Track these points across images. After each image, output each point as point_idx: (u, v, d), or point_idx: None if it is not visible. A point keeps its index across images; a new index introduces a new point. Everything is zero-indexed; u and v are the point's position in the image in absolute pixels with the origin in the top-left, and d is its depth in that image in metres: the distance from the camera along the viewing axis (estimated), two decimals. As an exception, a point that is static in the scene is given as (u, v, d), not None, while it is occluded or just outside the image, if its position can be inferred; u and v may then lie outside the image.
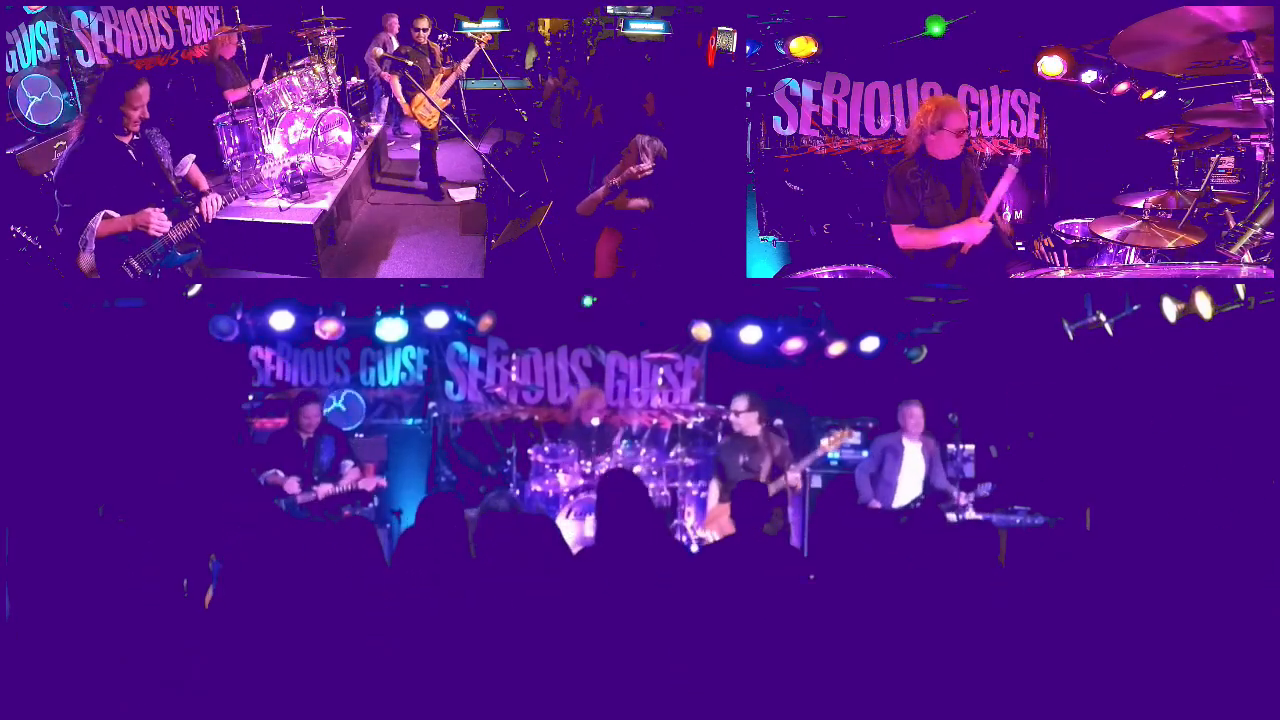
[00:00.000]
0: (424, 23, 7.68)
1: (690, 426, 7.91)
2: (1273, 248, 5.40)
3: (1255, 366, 6.08)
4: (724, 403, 7.32)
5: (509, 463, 7.70)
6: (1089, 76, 6.84)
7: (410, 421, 8.43)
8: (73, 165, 5.04)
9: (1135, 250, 5.84)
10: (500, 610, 3.47)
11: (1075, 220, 6.52)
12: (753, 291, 7.48)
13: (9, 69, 5.77)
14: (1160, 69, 6.09)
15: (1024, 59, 6.84)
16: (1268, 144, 5.57)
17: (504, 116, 7.98)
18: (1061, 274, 6.29)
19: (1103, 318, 6.85)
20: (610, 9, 8.03)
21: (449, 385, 8.47)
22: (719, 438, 7.59)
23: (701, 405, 8.13)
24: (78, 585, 5.51)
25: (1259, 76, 5.18)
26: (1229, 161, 6.11)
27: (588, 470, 7.25)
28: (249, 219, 6.33)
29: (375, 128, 8.05)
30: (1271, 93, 5.20)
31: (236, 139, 6.84)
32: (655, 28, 8.00)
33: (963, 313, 7.82)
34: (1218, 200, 5.82)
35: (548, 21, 8.50)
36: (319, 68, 7.41)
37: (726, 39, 6.84)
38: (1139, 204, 6.01)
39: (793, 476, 6.89)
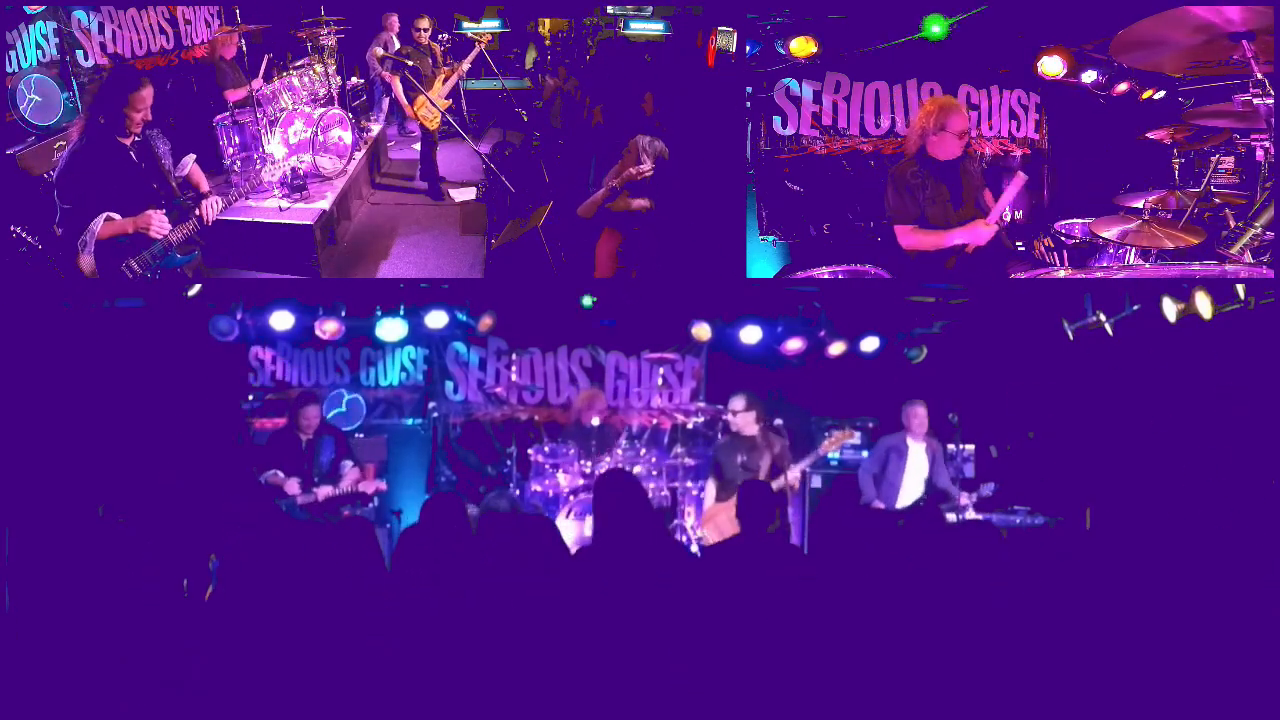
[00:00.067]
0: (425, 23, 7.68)
1: (690, 426, 7.91)
2: (1273, 248, 5.40)
3: (1255, 366, 6.08)
4: (724, 403, 7.32)
5: (509, 463, 7.70)
6: (1089, 76, 6.84)
7: (410, 421, 8.44)
8: (73, 166, 5.04)
9: (1135, 250, 5.84)
10: (499, 610, 3.47)
11: (1075, 220, 6.52)
12: (753, 291, 7.48)
13: (9, 69, 5.77)
14: (1160, 69, 6.09)
15: (1024, 59, 6.84)
16: (1268, 144, 5.57)
17: (504, 116, 7.98)
18: (1061, 274, 6.29)
19: (1103, 318, 6.85)
20: (610, 9, 8.03)
21: (449, 385, 8.47)
22: (719, 437, 7.59)
23: (701, 405, 8.14)
24: (78, 585, 5.51)
25: (1259, 76, 5.18)
26: (1229, 161, 6.10)
27: (588, 470, 7.25)
28: (249, 219, 6.33)
29: (375, 128, 8.05)
30: (1271, 93, 5.20)
31: (236, 139, 6.84)
32: (655, 28, 8.00)
33: (963, 313, 7.82)
34: (1218, 200, 5.81)
35: (548, 21, 8.50)
36: (319, 68, 7.41)
37: (726, 39, 6.84)
38: (1139, 204, 6.01)
39: (792, 476, 6.90)
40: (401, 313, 7.74)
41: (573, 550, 4.04)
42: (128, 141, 5.10)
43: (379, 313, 7.73)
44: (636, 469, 7.25)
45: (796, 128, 6.98)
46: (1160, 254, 5.67)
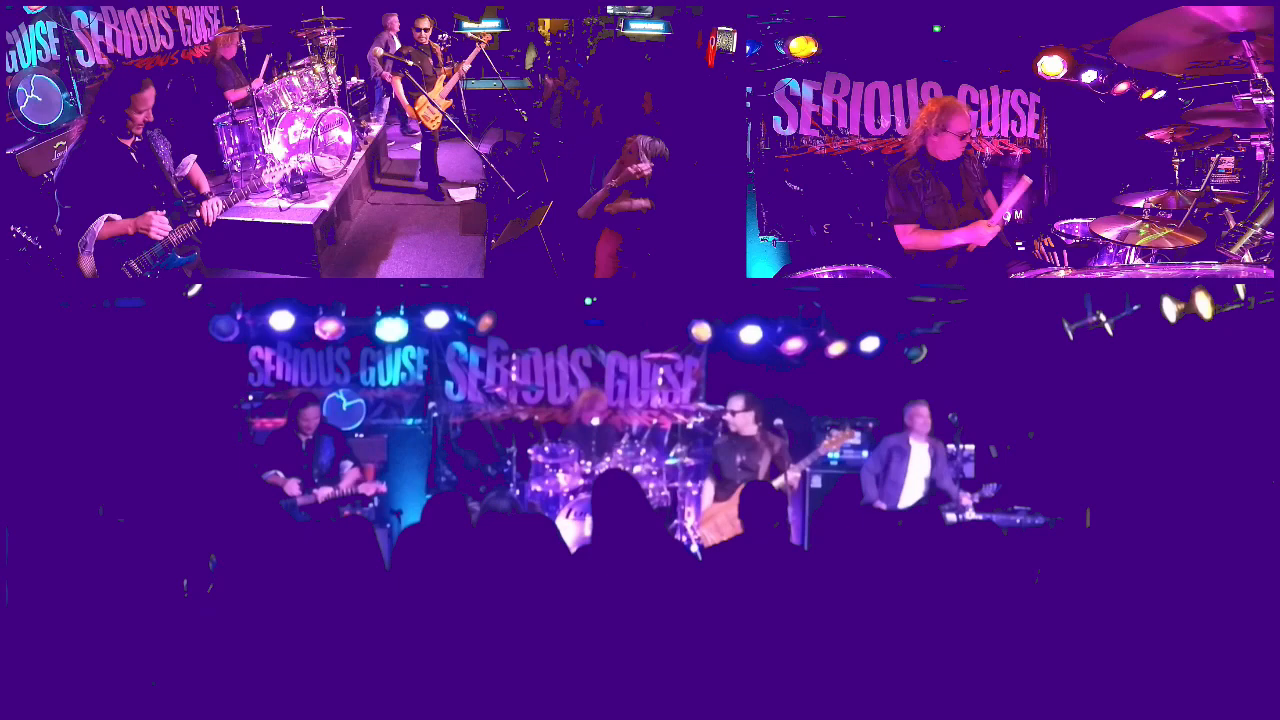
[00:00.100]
0: (425, 23, 7.68)
1: (690, 427, 7.91)
2: (1273, 248, 5.40)
3: (1255, 366, 6.08)
4: (724, 403, 7.32)
5: (509, 463, 7.70)
6: (1089, 76, 6.84)
7: (410, 421, 8.44)
8: (74, 166, 5.03)
9: (1135, 250, 5.84)
10: (498, 610, 3.47)
11: (1075, 220, 6.52)
12: (753, 291, 7.48)
13: (9, 69, 5.77)
14: (1160, 69, 6.09)
15: (1024, 59, 6.84)
16: (1268, 144, 5.57)
17: (504, 116, 7.98)
18: (1061, 274, 6.29)
19: (1103, 318, 6.84)
20: (610, 9, 8.04)
21: (449, 385, 8.47)
22: (718, 437, 7.59)
23: (702, 405, 8.13)
24: (77, 585, 5.51)
25: (1259, 76, 5.17)
26: (1229, 161, 6.10)
27: (588, 470, 7.25)
28: (249, 219, 6.33)
29: (375, 128, 8.05)
30: (1271, 93, 5.20)
31: (236, 139, 6.84)
32: (655, 28, 8.01)
33: (963, 313, 7.82)
34: (1218, 200, 5.81)
35: (548, 21, 8.51)
36: (319, 68, 7.42)
37: (726, 39, 6.85)
38: (1139, 204, 6.01)
39: (791, 476, 6.90)
40: (401, 313, 7.74)
41: (573, 550, 4.04)
42: (129, 142, 5.10)
43: (379, 313, 7.73)
44: (636, 469, 7.25)
45: (796, 128, 6.99)
46: (1160, 254, 5.67)
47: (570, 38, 8.44)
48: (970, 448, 7.63)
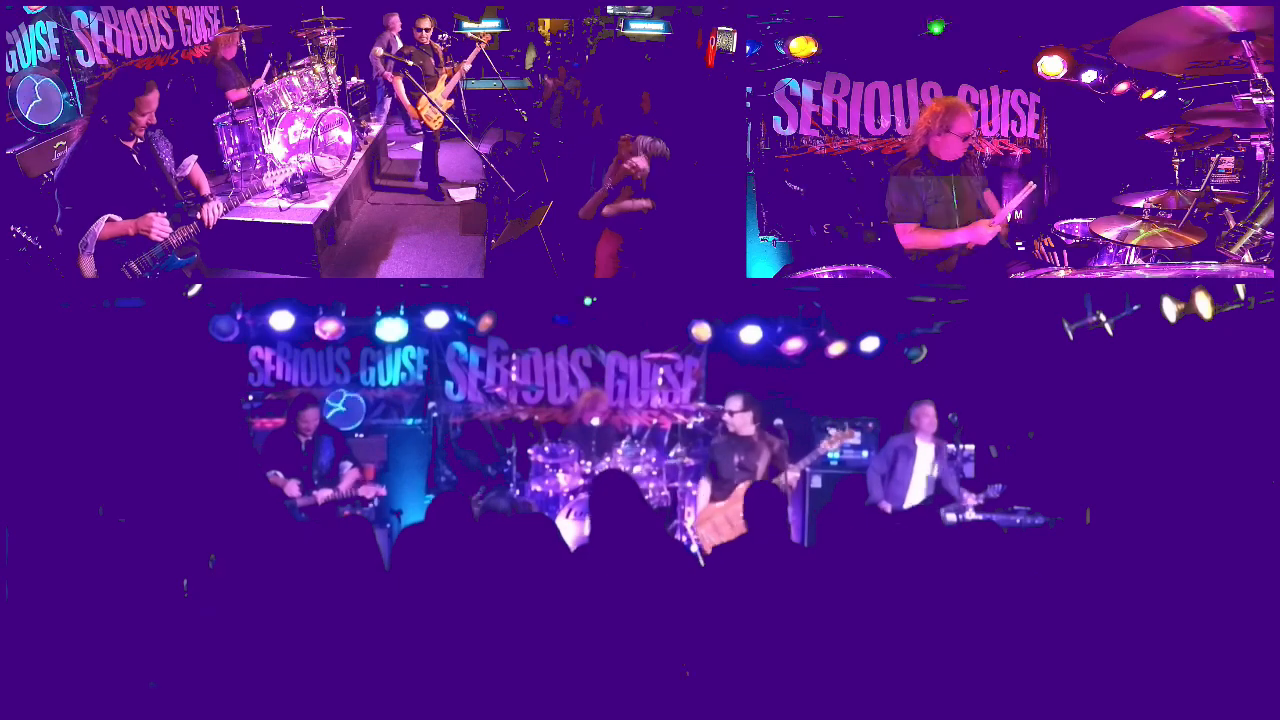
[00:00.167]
0: (427, 23, 7.69)
1: (690, 427, 7.91)
2: (1273, 248, 5.40)
3: (1255, 366, 6.08)
4: (724, 403, 7.32)
5: (509, 463, 7.70)
6: (1089, 76, 6.84)
7: (410, 421, 8.44)
8: (75, 167, 5.03)
9: (1135, 250, 5.84)
10: (496, 610, 3.47)
11: (1075, 220, 6.52)
12: (753, 291, 7.48)
13: (9, 69, 5.76)
14: (1160, 69, 6.09)
15: (1024, 59, 6.84)
16: (1268, 144, 5.57)
17: (504, 116, 7.99)
18: (1061, 274, 6.29)
19: (1103, 318, 6.84)
20: (610, 9, 8.04)
21: (449, 385, 8.47)
22: (716, 437, 7.59)
23: (702, 405, 8.13)
24: (77, 585, 5.51)
25: (1259, 76, 5.17)
26: (1229, 161, 6.10)
27: (588, 470, 7.25)
28: (249, 219, 6.33)
29: (375, 128, 8.05)
30: (1271, 93, 5.19)
31: (236, 139, 6.84)
32: (655, 28, 8.01)
33: (963, 313, 7.82)
34: (1218, 200, 5.81)
35: (548, 21, 8.52)
36: (319, 68, 7.42)
37: (726, 39, 6.85)
38: (1139, 204, 6.01)
39: (790, 476, 6.89)
40: (401, 313, 7.74)
41: (572, 550, 4.04)
42: (130, 144, 5.09)
43: (379, 313, 7.73)
44: (636, 469, 7.25)
45: (796, 128, 6.99)
46: (1160, 254, 5.67)
47: (570, 38, 8.44)
48: (970, 448, 7.63)
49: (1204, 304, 6.06)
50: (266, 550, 5.62)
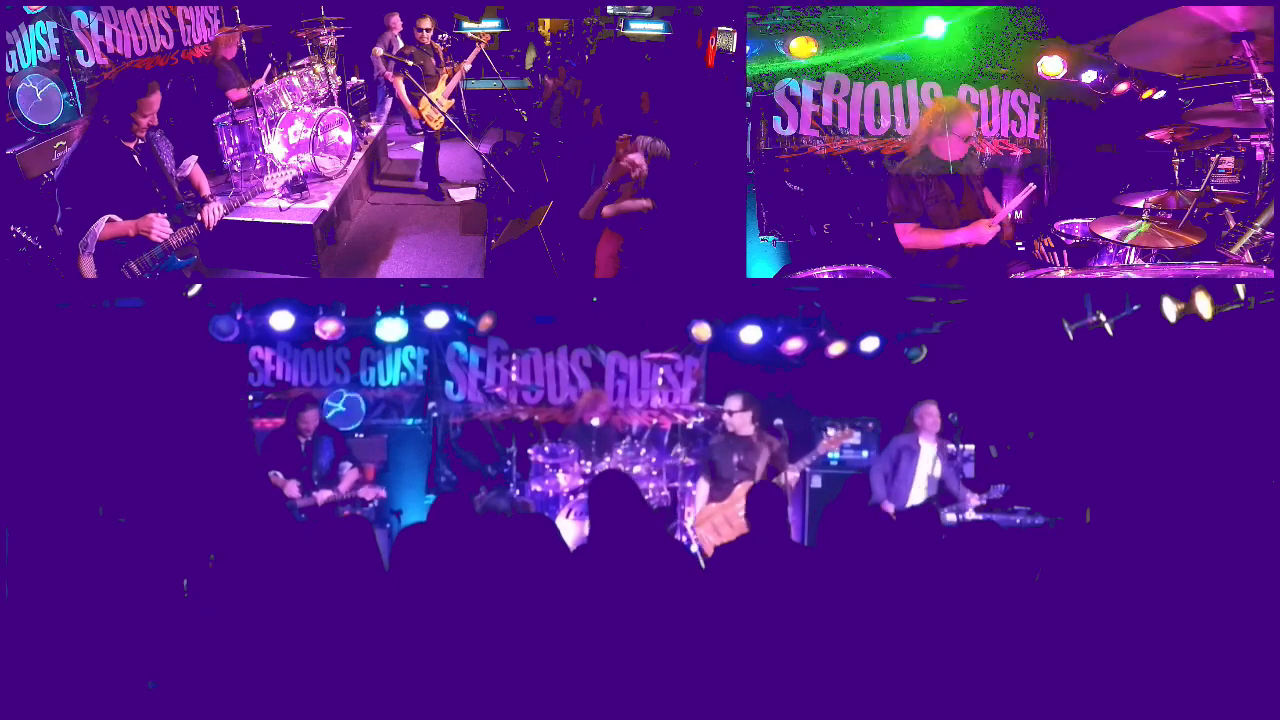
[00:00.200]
0: (427, 23, 7.69)
1: (690, 426, 7.91)
2: (1273, 248, 5.40)
3: (1255, 366, 6.08)
4: (724, 403, 7.32)
5: (509, 463, 7.70)
6: (1089, 76, 6.84)
7: (410, 421, 8.44)
8: (75, 167, 5.03)
9: (1135, 250, 5.85)
10: (495, 610, 3.47)
11: (1075, 220, 6.52)
12: (753, 291, 7.48)
13: (9, 69, 5.77)
14: (1160, 69, 6.09)
15: (1024, 59, 6.84)
16: (1268, 144, 5.58)
17: (504, 116, 7.98)
18: (1061, 274, 6.29)
19: (1103, 318, 6.84)
20: (610, 9, 8.04)
21: (449, 385, 8.47)
22: (714, 436, 7.59)
23: (701, 405, 8.13)
24: (77, 585, 5.51)
25: (1259, 76, 5.18)
26: (1229, 161, 6.10)
27: (588, 470, 7.25)
28: (249, 219, 6.33)
29: (375, 128, 8.05)
30: (1271, 93, 5.20)
31: (236, 139, 6.84)
32: (655, 28, 8.01)
33: (963, 313, 7.82)
34: (1218, 200, 5.81)
35: (548, 21, 8.51)
36: (319, 68, 7.42)
37: (726, 39, 6.85)
38: (1139, 204, 6.02)
39: (790, 476, 6.89)
40: (401, 313, 7.74)
41: (572, 550, 4.04)
42: (131, 144, 5.09)
43: (379, 313, 7.73)
44: (636, 469, 7.25)
45: (796, 128, 6.98)
46: (1160, 254, 5.67)
47: (570, 38, 8.44)
48: (970, 448, 7.62)
49: (1204, 304, 6.06)
50: (266, 550, 5.62)
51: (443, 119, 7.48)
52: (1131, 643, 3.87)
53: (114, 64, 6.44)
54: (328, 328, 7.69)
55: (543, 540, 3.74)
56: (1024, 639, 3.64)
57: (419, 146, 7.92)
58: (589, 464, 7.29)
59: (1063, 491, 7.08)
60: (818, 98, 6.97)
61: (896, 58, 6.77)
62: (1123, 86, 6.94)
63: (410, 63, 7.61)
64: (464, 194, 7.37)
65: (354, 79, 7.91)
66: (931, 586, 3.84)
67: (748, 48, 6.66)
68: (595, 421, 7.54)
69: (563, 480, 7.26)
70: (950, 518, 6.86)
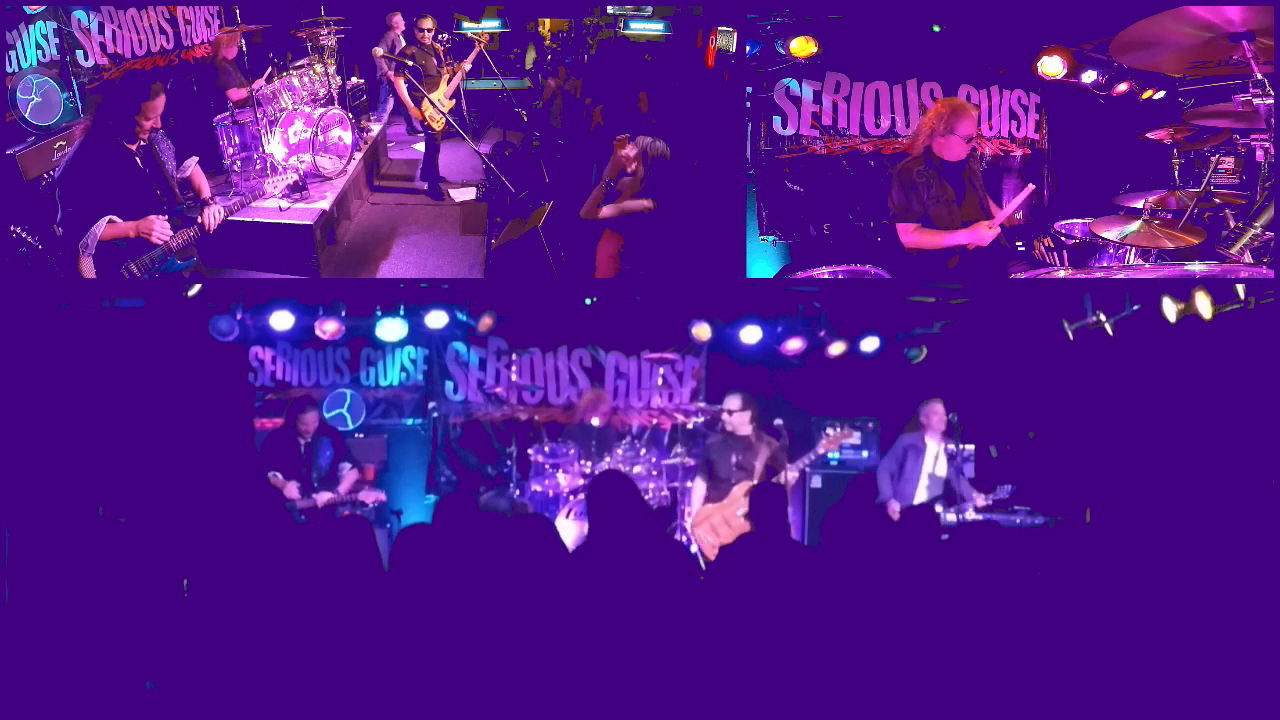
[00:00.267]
0: (429, 23, 7.69)
1: (690, 426, 7.91)
2: (1273, 248, 5.40)
3: (1255, 366, 6.08)
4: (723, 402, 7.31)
5: (509, 463, 7.70)
6: (1089, 76, 6.84)
7: (410, 421, 8.44)
8: (77, 168, 5.01)
9: (1135, 250, 5.85)
10: (494, 610, 3.47)
11: (1075, 220, 6.52)
12: (753, 291, 7.48)
13: (9, 69, 5.76)
14: (1160, 69, 6.09)
15: (1024, 59, 6.84)
16: (1268, 144, 5.58)
17: (504, 116, 7.99)
18: (1061, 274, 6.29)
19: (1103, 318, 6.84)
20: (610, 9, 8.05)
21: (449, 385, 8.47)
22: (711, 436, 7.58)
23: (701, 405, 8.13)
24: (77, 585, 5.51)
25: (1259, 76, 5.17)
26: (1229, 161, 6.10)
27: (588, 470, 7.25)
28: (249, 219, 6.33)
29: (375, 128, 8.06)
30: (1271, 93, 5.20)
31: (236, 139, 6.84)
32: (655, 28, 8.02)
33: (963, 313, 7.82)
34: (1218, 200, 5.81)
35: (548, 21, 8.52)
36: (319, 68, 7.42)
37: (726, 39, 6.85)
38: (1139, 204, 6.02)
39: (789, 475, 6.89)
40: (401, 313, 7.73)
41: (571, 550, 4.04)
42: (134, 146, 5.08)
43: (379, 313, 7.72)
44: (636, 469, 7.25)
45: (796, 128, 6.98)
46: (1160, 254, 5.67)
47: (570, 38, 8.45)
48: (970, 448, 7.62)
49: (1204, 304, 6.06)
50: (266, 549, 5.62)
51: (444, 119, 7.48)
52: (1132, 642, 3.87)
53: (114, 64, 6.44)
54: (328, 328, 7.69)
55: (542, 540, 3.74)
56: (1024, 639, 3.64)
57: (419, 146, 7.93)
58: (589, 464, 7.29)
59: (1063, 491, 7.08)
60: (818, 97, 6.97)
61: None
62: (1123, 86, 6.94)
63: (411, 63, 7.61)
64: (464, 194, 7.37)
65: (354, 79, 7.92)
66: (932, 586, 3.84)
67: (748, 48, 6.67)
68: (595, 421, 7.54)
69: (563, 480, 7.26)
70: (950, 518, 6.86)
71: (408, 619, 3.46)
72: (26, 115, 5.82)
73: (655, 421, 8.25)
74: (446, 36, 7.88)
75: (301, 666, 3.37)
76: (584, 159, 6.97)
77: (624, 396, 8.50)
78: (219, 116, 6.84)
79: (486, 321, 7.90)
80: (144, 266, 5.11)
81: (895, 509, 6.90)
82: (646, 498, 7.01)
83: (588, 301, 7.63)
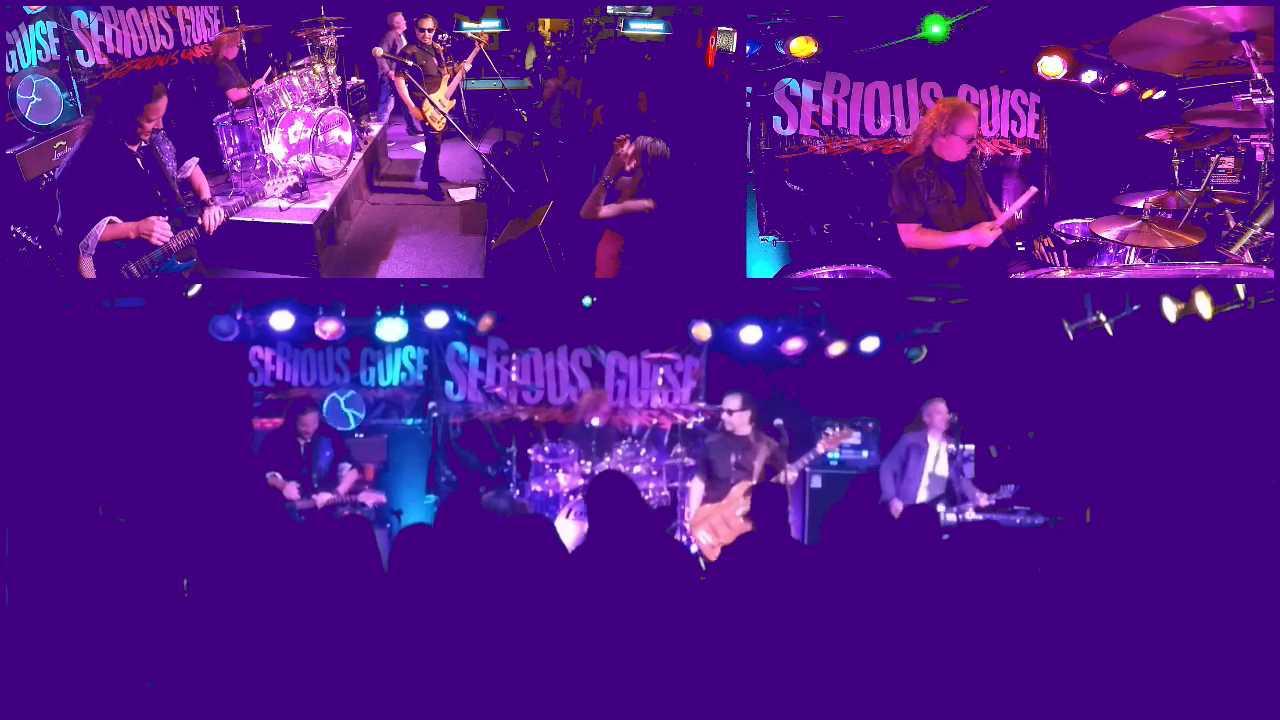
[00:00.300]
0: (430, 23, 7.70)
1: (690, 426, 7.91)
2: (1273, 248, 5.40)
3: (1255, 366, 6.08)
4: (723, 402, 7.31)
5: (509, 463, 7.70)
6: (1089, 76, 6.84)
7: (410, 421, 8.43)
8: (77, 169, 5.01)
9: (1135, 250, 5.85)
10: (494, 610, 3.47)
11: (1075, 220, 6.52)
12: (753, 291, 7.48)
13: (9, 69, 5.76)
14: (1160, 69, 6.09)
15: (1024, 59, 6.84)
16: (1268, 144, 5.57)
17: (504, 116, 7.99)
18: (1061, 274, 6.29)
19: (1103, 318, 6.84)
20: (610, 9, 8.05)
21: (449, 385, 8.47)
22: (710, 436, 7.58)
23: (702, 405, 8.13)
24: (77, 585, 5.51)
25: (1259, 76, 5.17)
26: (1229, 161, 6.10)
27: (588, 470, 7.25)
28: (249, 219, 6.33)
29: (375, 128, 8.05)
30: (1271, 93, 5.20)
31: (236, 139, 6.84)
32: (655, 28, 8.02)
33: (963, 313, 7.82)
34: (1218, 200, 5.81)
35: (548, 21, 8.52)
36: (319, 68, 7.42)
37: (726, 39, 6.85)
38: (1139, 204, 6.02)
39: (789, 475, 6.89)
40: (401, 313, 7.73)
41: (571, 550, 4.04)
42: (135, 148, 5.08)
43: (379, 313, 7.72)
44: (636, 469, 7.25)
45: (796, 128, 6.98)
46: (1160, 254, 5.67)
47: (570, 38, 8.45)
48: (970, 448, 7.63)
49: (1204, 304, 6.06)
50: (266, 550, 5.62)
51: (444, 119, 7.48)
52: (1132, 642, 3.87)
53: (114, 64, 6.44)
54: (328, 328, 7.69)
55: (542, 541, 3.74)
56: (1024, 638, 3.64)
57: (419, 146, 7.93)
58: (589, 464, 7.29)
59: (1063, 491, 7.08)
60: (818, 97, 6.97)
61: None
62: (1123, 86, 6.94)
63: (412, 63, 7.61)
64: (464, 194, 7.37)
65: (354, 79, 7.91)
66: (932, 586, 3.84)
67: (748, 48, 6.67)
68: (595, 421, 7.54)
69: (563, 480, 7.26)
70: (950, 518, 6.86)
71: (407, 619, 3.46)
72: (26, 115, 5.82)
73: (655, 421, 8.25)
74: (447, 36, 7.88)
75: (301, 667, 3.37)
76: (584, 159, 6.97)
77: (624, 396, 8.50)
78: (219, 116, 6.84)
79: (486, 321, 7.90)
80: (144, 267, 5.11)
81: (898, 508, 6.90)
82: (646, 498, 7.01)
83: (586, 302, 7.63)
